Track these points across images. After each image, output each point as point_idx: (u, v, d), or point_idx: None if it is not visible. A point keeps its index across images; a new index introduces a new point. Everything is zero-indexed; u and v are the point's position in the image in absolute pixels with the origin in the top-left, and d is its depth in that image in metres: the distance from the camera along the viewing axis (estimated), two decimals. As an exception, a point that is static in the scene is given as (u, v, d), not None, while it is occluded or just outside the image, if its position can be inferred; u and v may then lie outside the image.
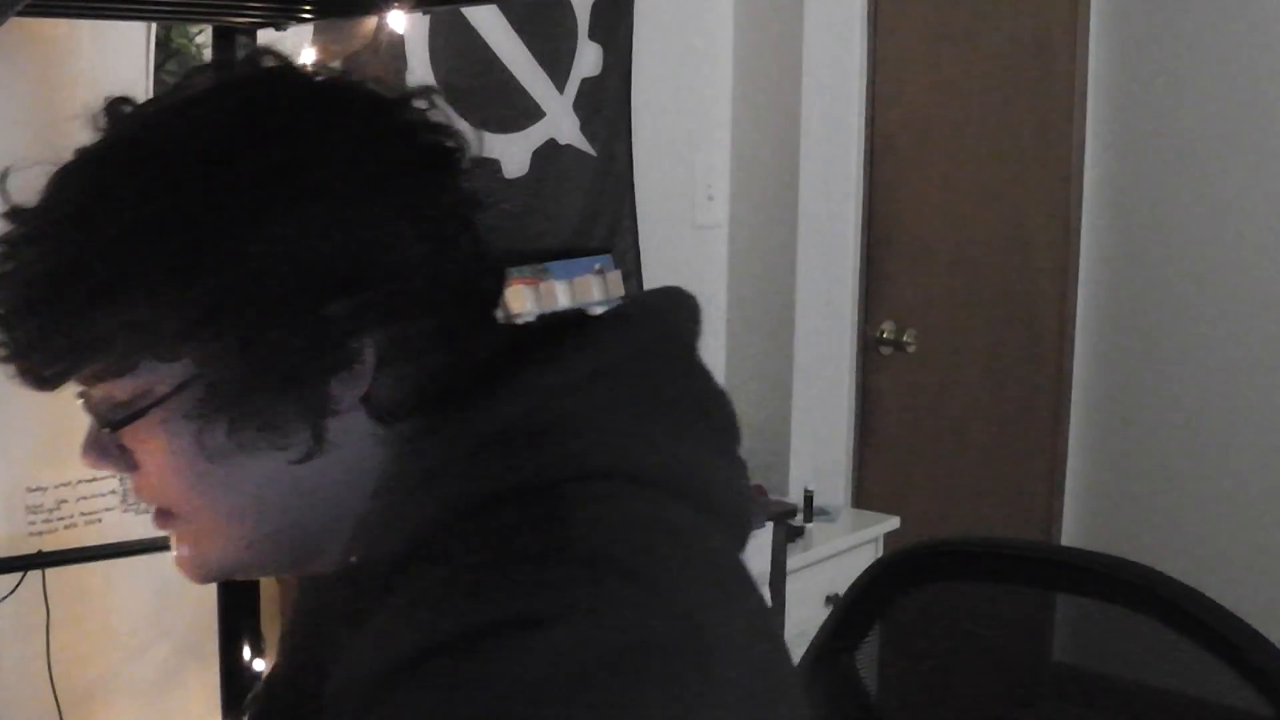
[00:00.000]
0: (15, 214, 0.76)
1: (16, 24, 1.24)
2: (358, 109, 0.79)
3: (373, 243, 0.75)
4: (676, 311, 0.85)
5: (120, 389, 0.76)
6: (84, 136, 0.79)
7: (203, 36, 1.89)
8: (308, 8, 1.52)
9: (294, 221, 0.73)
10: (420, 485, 0.75)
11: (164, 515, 0.82)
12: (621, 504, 0.74)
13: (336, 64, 1.68)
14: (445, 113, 0.83)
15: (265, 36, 1.61)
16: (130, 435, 0.78)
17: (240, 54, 1.59)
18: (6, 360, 0.77)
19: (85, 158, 0.77)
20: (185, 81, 0.80)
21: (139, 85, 1.85)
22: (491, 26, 2.39)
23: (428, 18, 2.26)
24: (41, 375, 0.76)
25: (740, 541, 0.82)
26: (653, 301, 0.85)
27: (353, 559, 0.78)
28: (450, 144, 0.82)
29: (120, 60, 1.84)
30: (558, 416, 0.76)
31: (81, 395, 0.79)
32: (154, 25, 1.87)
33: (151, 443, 0.77)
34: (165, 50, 1.89)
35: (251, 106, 0.77)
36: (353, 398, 0.77)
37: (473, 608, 0.66)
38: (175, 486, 0.79)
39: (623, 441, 0.77)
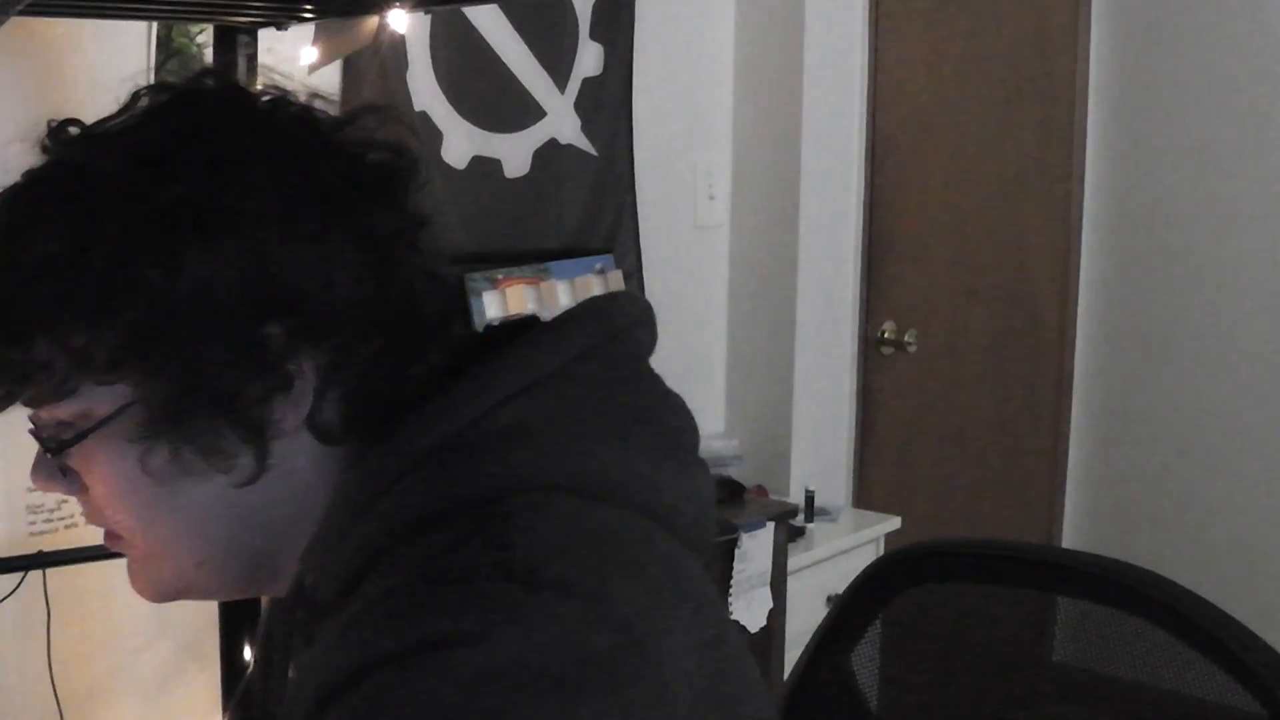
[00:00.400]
0: None
1: (16, 24, 1.24)
2: (294, 132, 0.79)
3: (309, 265, 0.75)
4: (621, 317, 0.84)
5: (62, 412, 0.76)
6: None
7: (203, 36, 1.89)
8: (308, 7, 1.53)
9: (223, 247, 0.73)
10: (362, 507, 0.75)
11: (114, 537, 0.82)
12: (560, 516, 0.73)
13: (336, 62, 1.68)
14: (399, 131, 0.83)
15: (266, 36, 1.61)
16: (76, 458, 0.78)
17: (241, 54, 1.59)
18: None
19: (22, 183, 0.77)
20: (130, 104, 0.80)
21: (140, 85, 1.84)
22: (492, 26, 2.39)
23: (429, 17, 2.26)
24: None
25: (696, 546, 0.81)
26: (596, 307, 0.84)
27: (307, 581, 0.78)
28: (399, 163, 0.81)
29: (121, 60, 1.84)
30: (494, 430, 0.76)
31: (31, 419, 0.80)
32: (155, 25, 1.87)
33: (96, 466, 0.78)
34: (166, 50, 1.89)
35: (182, 133, 0.77)
36: (296, 420, 0.77)
37: (405, 627, 0.66)
38: (121, 509, 0.79)
39: (561, 452, 0.76)
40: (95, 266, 0.72)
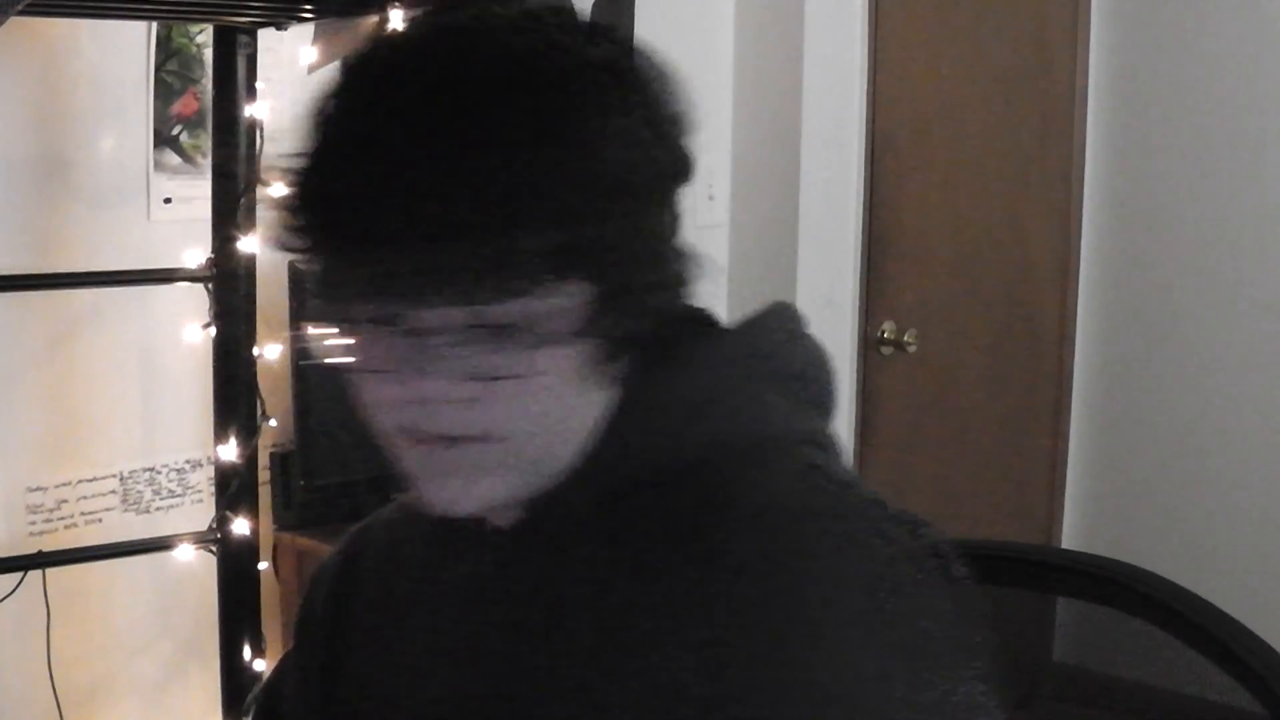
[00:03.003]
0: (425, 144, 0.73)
1: (16, 24, 1.24)
2: (649, 81, 0.81)
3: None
4: (799, 320, 0.92)
5: (508, 311, 0.74)
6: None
7: (203, 36, 1.89)
8: (308, 7, 1.53)
9: (667, 147, 0.79)
10: (616, 452, 0.81)
11: (459, 443, 0.78)
12: (795, 463, 0.83)
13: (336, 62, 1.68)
14: None
15: (266, 36, 1.61)
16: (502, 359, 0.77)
17: (241, 54, 1.59)
18: (415, 279, 0.72)
19: (459, 79, 0.74)
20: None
21: (140, 85, 1.84)
22: (492, 26, 2.38)
23: (428, 18, 2.26)
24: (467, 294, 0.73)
25: None
26: (784, 310, 0.91)
27: (538, 507, 0.82)
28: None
29: (120, 60, 1.84)
30: (726, 389, 0.83)
31: (467, 316, 0.75)
32: (154, 25, 1.87)
33: (516, 366, 0.76)
34: (165, 49, 1.89)
35: (605, 45, 0.79)
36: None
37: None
38: (509, 412, 0.77)
39: (777, 411, 0.85)
40: (611, 157, 0.74)
